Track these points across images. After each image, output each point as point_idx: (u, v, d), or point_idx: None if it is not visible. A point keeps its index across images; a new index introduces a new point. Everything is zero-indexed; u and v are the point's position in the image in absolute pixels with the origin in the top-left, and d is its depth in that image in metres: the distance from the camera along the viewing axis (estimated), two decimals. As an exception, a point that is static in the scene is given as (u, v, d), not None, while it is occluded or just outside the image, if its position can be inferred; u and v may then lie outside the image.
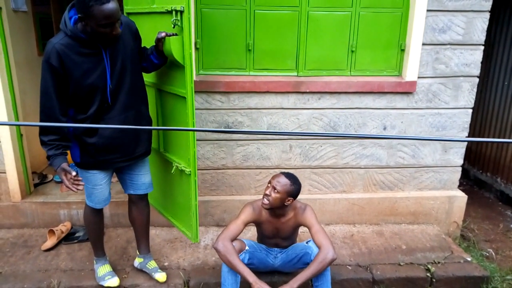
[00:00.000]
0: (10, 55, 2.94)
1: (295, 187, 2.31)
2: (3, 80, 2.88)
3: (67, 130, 2.17)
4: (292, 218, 2.42)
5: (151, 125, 2.47)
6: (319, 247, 2.26)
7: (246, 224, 2.39)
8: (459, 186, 3.44)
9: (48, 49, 2.00)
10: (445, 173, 3.35)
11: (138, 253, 2.70)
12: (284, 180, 2.29)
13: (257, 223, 2.49)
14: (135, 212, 2.58)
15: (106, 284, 2.53)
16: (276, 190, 2.26)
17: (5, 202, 3.13)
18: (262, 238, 2.57)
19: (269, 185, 2.32)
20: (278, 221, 2.43)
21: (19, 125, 3.09)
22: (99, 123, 2.19)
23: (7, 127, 2.94)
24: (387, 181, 3.34)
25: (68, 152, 2.23)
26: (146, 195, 2.57)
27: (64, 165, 2.11)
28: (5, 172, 3.07)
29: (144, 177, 2.50)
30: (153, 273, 2.62)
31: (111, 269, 2.62)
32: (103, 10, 1.90)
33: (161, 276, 2.60)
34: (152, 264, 2.66)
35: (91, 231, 2.55)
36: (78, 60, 2.04)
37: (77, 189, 2.12)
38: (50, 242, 2.93)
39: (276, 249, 2.57)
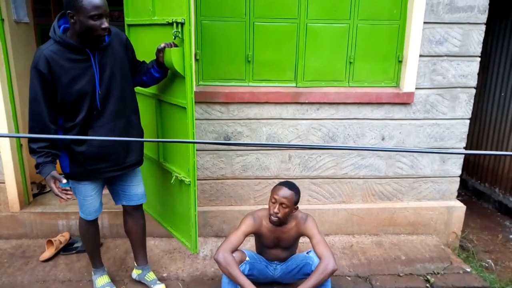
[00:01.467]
0: (11, 66, 2.96)
1: (299, 195, 2.36)
2: (4, 91, 2.90)
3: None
4: (294, 228, 2.42)
5: (142, 135, 2.44)
6: (320, 257, 2.25)
7: (247, 235, 2.38)
8: (457, 197, 3.45)
9: (37, 56, 2.00)
10: (443, 183, 3.36)
11: (135, 264, 2.68)
12: (289, 193, 2.30)
13: (258, 234, 2.48)
14: (130, 223, 2.55)
15: None
16: (284, 205, 2.28)
17: (4, 212, 3.13)
18: (262, 249, 2.56)
19: (274, 201, 2.31)
20: (279, 231, 2.43)
21: (18, 137, 3.10)
22: (88, 131, 2.15)
23: (7, 138, 2.94)
24: (386, 191, 3.35)
25: (58, 162, 2.21)
26: (141, 205, 2.55)
27: (54, 172, 2.07)
28: (4, 182, 3.06)
29: (137, 188, 2.47)
30: (152, 285, 2.59)
31: (110, 280, 2.60)
32: (91, 0, 1.93)
33: None
34: (150, 276, 2.64)
35: (87, 242, 2.53)
36: (66, 66, 2.03)
37: (67, 198, 2.10)
38: (49, 252, 2.92)
39: (275, 262, 2.57)
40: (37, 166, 2.10)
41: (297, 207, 2.38)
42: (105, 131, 2.18)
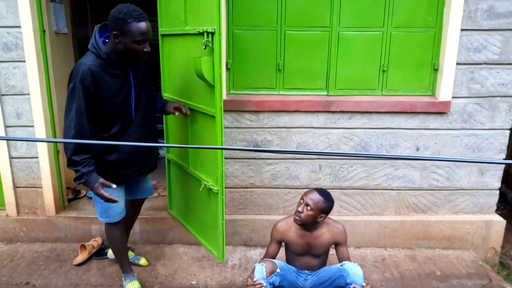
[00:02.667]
0: (50, 75, 3.08)
1: (328, 204, 2.33)
2: (43, 99, 3.01)
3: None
4: (326, 233, 2.42)
5: (157, 139, 2.64)
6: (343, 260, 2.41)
7: (280, 242, 2.48)
8: (496, 210, 3.29)
9: (83, 70, 2.06)
10: (481, 196, 3.22)
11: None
12: (317, 197, 2.30)
13: (287, 240, 2.47)
14: (131, 214, 2.75)
15: None
16: (308, 207, 2.29)
17: (41, 216, 3.23)
18: (292, 257, 2.53)
19: (301, 201, 2.34)
20: (310, 236, 2.41)
21: (57, 142, 3.21)
22: (119, 140, 2.26)
23: (45, 144, 3.05)
24: (420, 203, 3.24)
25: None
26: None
27: (102, 179, 2.15)
28: (41, 187, 3.17)
29: (148, 182, 2.71)
30: (136, 261, 2.94)
31: (140, 286, 2.64)
32: (140, 27, 2.07)
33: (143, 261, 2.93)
34: (131, 254, 2.96)
35: (115, 248, 2.60)
36: (109, 81, 2.15)
37: (116, 201, 2.20)
38: (82, 257, 2.99)
39: (306, 271, 2.52)
40: (79, 177, 2.13)
41: (324, 216, 2.35)
42: (134, 139, 2.31)
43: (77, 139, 2.11)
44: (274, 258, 2.44)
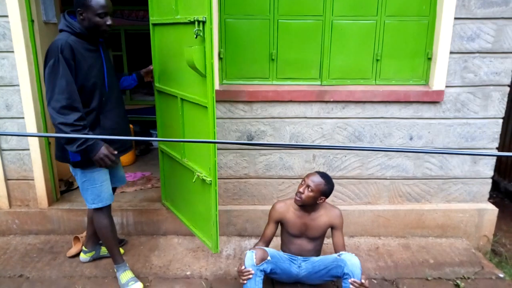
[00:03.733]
0: (40, 65, 3.03)
1: (329, 187, 2.43)
2: (33, 90, 2.97)
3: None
4: (323, 216, 2.50)
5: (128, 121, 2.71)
6: (338, 251, 2.46)
7: (278, 222, 2.55)
8: (489, 199, 3.31)
9: (61, 44, 2.15)
10: (474, 185, 3.24)
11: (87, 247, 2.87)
12: (318, 179, 2.40)
13: (285, 220, 2.53)
14: None
15: None
16: (310, 189, 2.38)
17: (33, 208, 3.21)
18: (287, 239, 2.57)
19: (303, 182, 2.43)
20: (307, 217, 2.49)
21: (46, 136, 3.17)
22: (100, 116, 2.35)
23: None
24: (414, 192, 3.25)
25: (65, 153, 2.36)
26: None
27: (106, 145, 2.27)
28: (33, 179, 3.15)
29: (121, 170, 2.75)
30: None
31: (133, 275, 2.64)
32: (99, 1, 2.20)
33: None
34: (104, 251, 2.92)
35: (106, 237, 2.59)
36: (85, 55, 2.25)
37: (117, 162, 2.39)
38: (75, 248, 2.98)
39: (300, 257, 2.54)
40: (84, 141, 2.17)
41: (324, 198, 2.44)
42: (114, 115, 2.43)
43: (75, 108, 2.16)
44: (271, 238, 2.55)
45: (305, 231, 2.51)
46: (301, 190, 2.41)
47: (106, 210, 2.53)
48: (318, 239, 2.55)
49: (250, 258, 2.28)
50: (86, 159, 2.31)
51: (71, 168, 2.45)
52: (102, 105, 2.36)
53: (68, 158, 2.34)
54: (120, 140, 2.50)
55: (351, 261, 2.28)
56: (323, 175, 2.44)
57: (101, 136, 2.35)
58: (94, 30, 2.25)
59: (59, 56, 2.13)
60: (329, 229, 2.57)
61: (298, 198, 2.42)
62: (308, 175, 2.44)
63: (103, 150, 2.25)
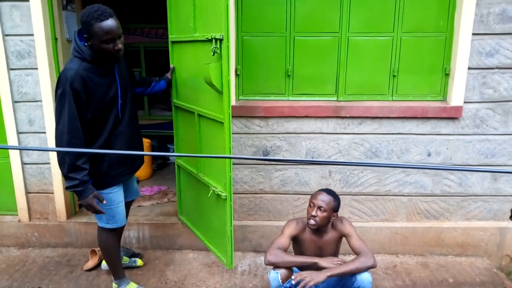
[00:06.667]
0: (62, 82, 3.12)
1: (338, 202, 2.38)
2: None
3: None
4: (332, 232, 2.42)
5: (141, 136, 2.66)
6: (360, 252, 2.29)
7: (292, 238, 2.41)
8: (511, 217, 3.23)
9: (71, 75, 2.05)
10: (495, 202, 3.16)
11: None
12: (327, 198, 2.33)
13: (299, 240, 2.45)
14: None
15: None
16: (322, 209, 2.30)
17: (52, 221, 3.26)
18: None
19: (312, 205, 2.34)
20: (320, 240, 2.41)
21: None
22: (110, 139, 2.29)
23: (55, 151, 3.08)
24: (432, 210, 3.19)
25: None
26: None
27: (96, 191, 2.22)
28: (53, 193, 3.21)
29: (135, 183, 2.75)
30: (133, 264, 2.97)
31: (137, 284, 2.66)
32: (102, 26, 2.03)
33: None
34: (126, 259, 2.96)
35: (112, 254, 2.57)
36: (98, 82, 2.16)
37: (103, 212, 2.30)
38: (92, 262, 3.00)
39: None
40: (76, 185, 2.13)
41: (336, 214, 2.37)
42: (125, 137, 2.36)
43: (73, 144, 2.09)
44: (286, 251, 2.34)
45: (319, 253, 2.43)
46: (313, 213, 2.30)
47: (117, 231, 2.54)
48: (334, 254, 2.50)
49: (276, 279, 2.24)
50: (101, 181, 2.31)
51: None
52: (114, 128, 2.31)
53: None
54: (130, 162, 2.46)
55: (362, 275, 2.23)
56: (329, 191, 2.38)
57: (119, 151, 2.36)
58: (104, 56, 2.12)
59: (66, 89, 2.05)
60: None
61: (313, 222, 2.31)
62: (314, 197, 2.35)
63: (89, 200, 2.18)
